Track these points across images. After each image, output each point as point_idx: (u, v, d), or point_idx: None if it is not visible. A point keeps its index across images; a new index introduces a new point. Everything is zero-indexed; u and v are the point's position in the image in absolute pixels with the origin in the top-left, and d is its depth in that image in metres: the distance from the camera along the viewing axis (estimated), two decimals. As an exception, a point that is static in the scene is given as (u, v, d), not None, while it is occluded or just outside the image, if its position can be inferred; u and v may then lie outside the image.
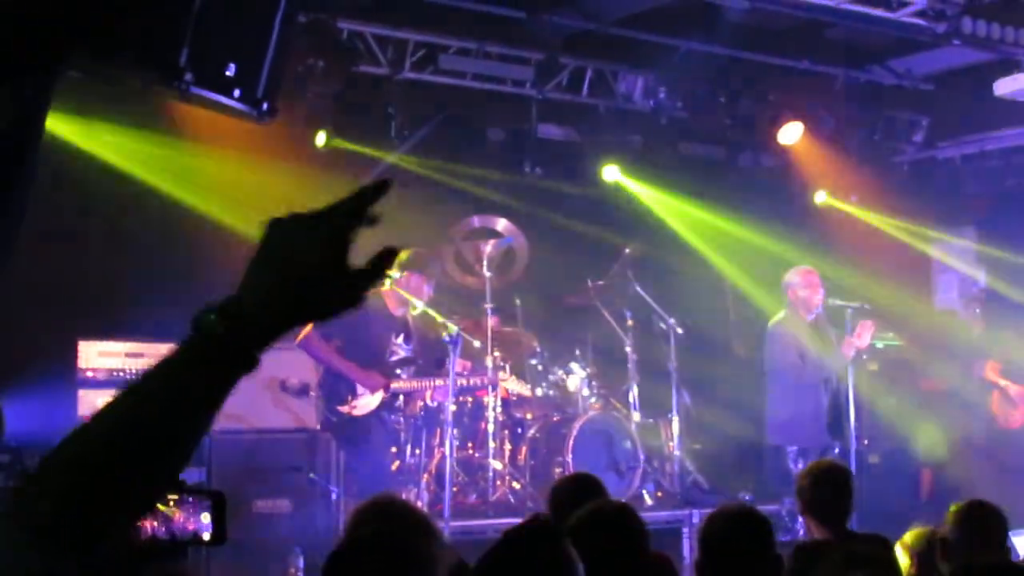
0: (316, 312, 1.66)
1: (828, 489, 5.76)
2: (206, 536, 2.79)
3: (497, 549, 3.41)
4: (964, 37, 9.31)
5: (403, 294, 9.31)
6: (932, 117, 12.97)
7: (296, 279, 1.62)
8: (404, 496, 8.80)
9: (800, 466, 9.51)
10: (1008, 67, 10.27)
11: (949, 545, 5.03)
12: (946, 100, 12.43)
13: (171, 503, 2.76)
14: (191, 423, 1.57)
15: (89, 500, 1.49)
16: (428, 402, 9.88)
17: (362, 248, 1.68)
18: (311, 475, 9.55)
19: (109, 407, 1.55)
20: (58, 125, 9.09)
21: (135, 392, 1.56)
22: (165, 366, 1.57)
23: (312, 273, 1.62)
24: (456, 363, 9.34)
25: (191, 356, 1.57)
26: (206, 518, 2.79)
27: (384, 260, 1.68)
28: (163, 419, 1.54)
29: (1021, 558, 5.33)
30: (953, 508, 5.18)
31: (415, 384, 9.58)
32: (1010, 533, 5.24)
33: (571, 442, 10.19)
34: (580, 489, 5.33)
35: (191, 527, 2.77)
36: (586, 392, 10.85)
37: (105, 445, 1.52)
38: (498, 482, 10.14)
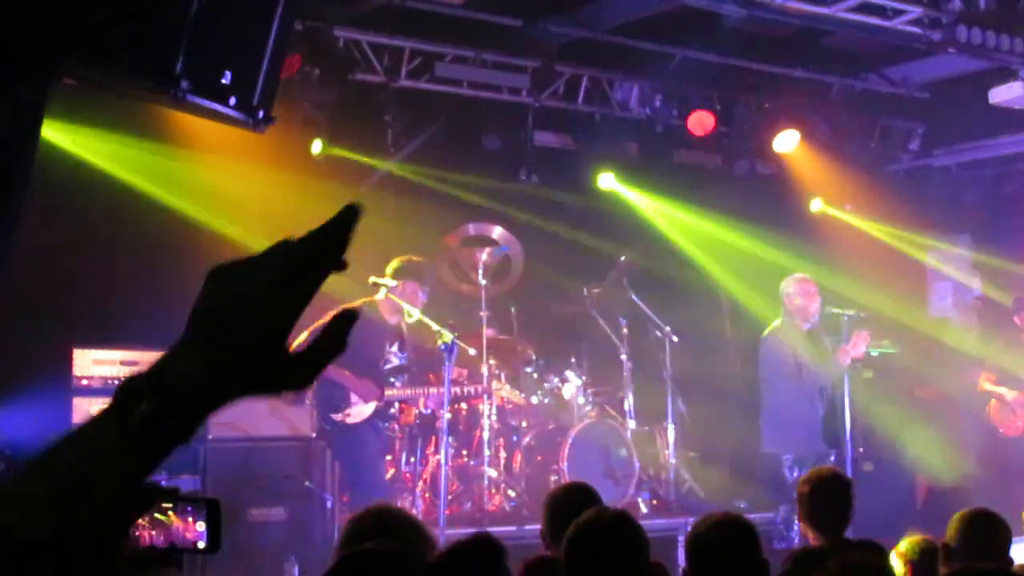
0: (259, 388, 1.43)
1: (827, 497, 5.76)
2: (201, 544, 2.78)
3: (442, 565, 3.44)
4: (960, 45, 9.32)
5: (398, 302, 9.30)
6: (928, 125, 12.99)
7: (228, 354, 1.39)
8: (399, 504, 8.79)
9: (796, 474, 9.50)
10: (1003, 75, 10.28)
11: (952, 553, 5.03)
12: (942, 108, 12.45)
13: (168, 511, 2.75)
14: (115, 499, 1.39)
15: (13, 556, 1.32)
16: (423, 410, 9.88)
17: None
18: (306, 483, 9.52)
19: (20, 481, 1.39)
20: (53, 133, 9.08)
21: (49, 467, 1.38)
22: (84, 443, 1.39)
23: (246, 349, 1.39)
24: (452, 371, 9.34)
25: (113, 435, 1.38)
26: (201, 526, 2.78)
27: (338, 332, 1.46)
28: (78, 500, 1.36)
29: (1017, 567, 5.32)
30: (957, 516, 5.18)
31: (410, 392, 9.57)
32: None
33: (566, 450, 10.18)
34: (576, 498, 5.32)
35: (188, 535, 2.77)
36: (581, 400, 10.86)
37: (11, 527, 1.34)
38: (493, 490, 10.13)
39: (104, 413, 1.39)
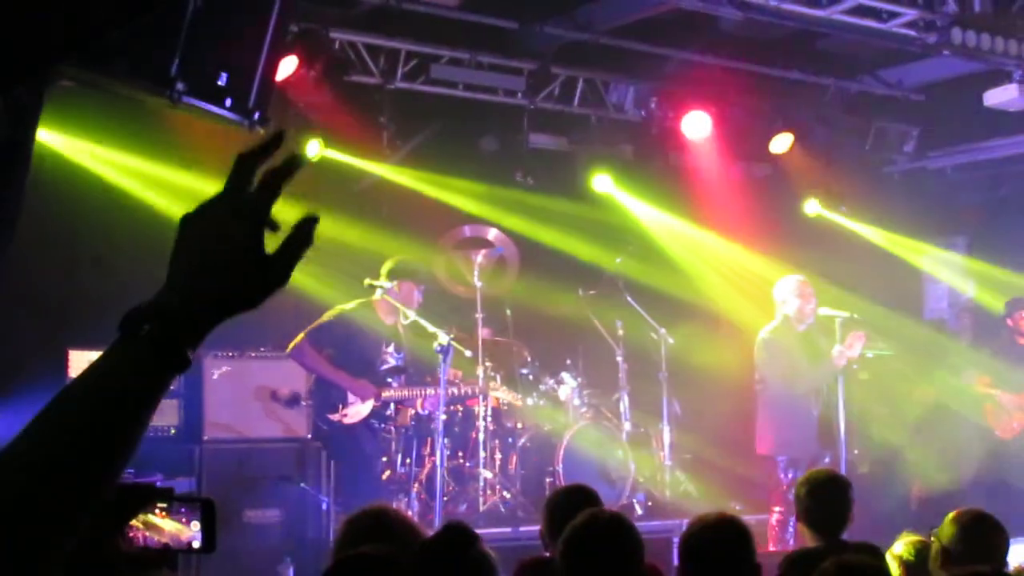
0: (243, 298, 1.61)
1: (825, 498, 5.76)
2: (196, 544, 2.78)
3: (419, 555, 3.45)
4: (954, 48, 9.33)
5: (394, 303, 9.31)
6: (923, 127, 13.01)
7: (215, 269, 1.59)
8: (395, 505, 8.79)
9: (790, 476, 9.51)
10: (998, 78, 10.30)
11: (951, 555, 5.03)
12: (937, 110, 12.47)
13: (161, 512, 2.75)
14: (126, 427, 1.52)
15: (22, 515, 1.44)
16: (419, 411, 9.88)
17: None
18: (301, 485, 9.53)
19: (41, 417, 1.52)
20: (49, 136, 9.09)
21: (67, 399, 1.53)
22: (96, 371, 1.54)
23: (229, 258, 1.59)
24: (447, 372, 9.34)
25: (120, 360, 1.55)
26: (196, 526, 2.78)
27: (304, 227, 1.63)
28: (96, 425, 1.50)
29: (1013, 569, 5.33)
30: (951, 516, 5.17)
31: (406, 393, 9.58)
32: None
33: (561, 452, 10.19)
34: (576, 500, 5.32)
35: (182, 536, 2.77)
36: (577, 402, 10.86)
37: (37, 458, 1.48)
38: (488, 491, 10.13)
39: (111, 345, 1.55)
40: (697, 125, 11.77)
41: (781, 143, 11.95)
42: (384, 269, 9.38)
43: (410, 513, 9.15)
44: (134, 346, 1.54)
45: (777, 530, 9.58)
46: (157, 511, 2.74)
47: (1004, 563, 5.13)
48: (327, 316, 9.17)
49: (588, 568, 4.25)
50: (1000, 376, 11.27)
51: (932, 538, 5.14)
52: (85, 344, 9.32)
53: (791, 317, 10.01)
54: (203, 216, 1.63)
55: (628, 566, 4.29)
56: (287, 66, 9.31)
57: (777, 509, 9.63)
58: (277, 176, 1.63)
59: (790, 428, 9.87)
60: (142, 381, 1.54)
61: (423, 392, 9.64)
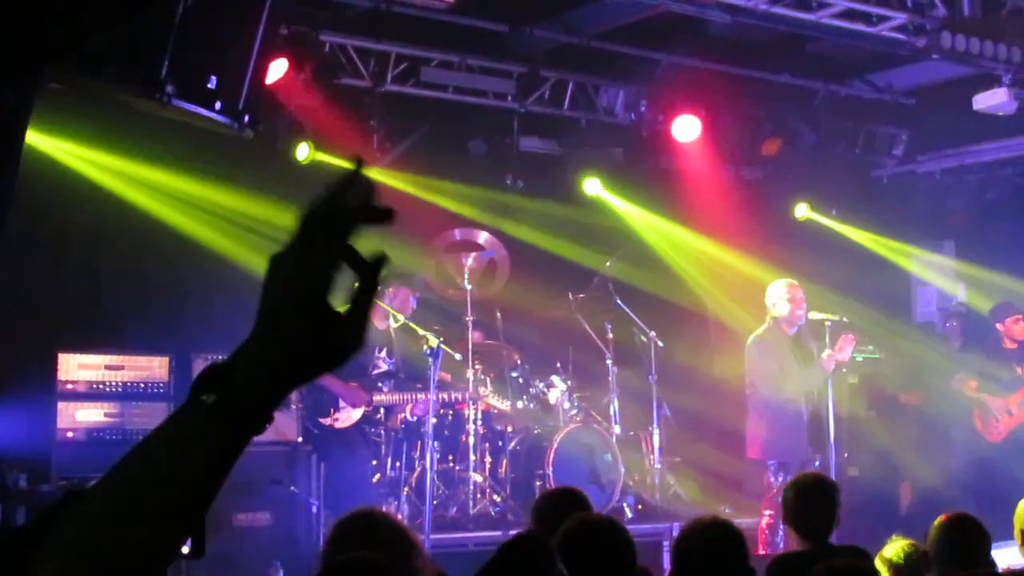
0: (315, 366, 1.46)
1: (812, 502, 5.77)
2: (185, 550, 2.78)
3: (494, 562, 3.44)
4: (944, 52, 9.35)
5: (389, 310, 9.33)
6: (912, 131, 13.03)
7: (281, 331, 1.44)
8: (385, 509, 8.78)
9: (780, 480, 9.52)
10: (987, 81, 10.31)
11: (932, 559, 5.04)
12: (926, 114, 12.49)
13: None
14: (194, 492, 1.47)
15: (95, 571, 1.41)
16: (408, 417, 9.89)
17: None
18: (291, 488, 9.51)
19: (115, 473, 1.45)
20: (38, 138, 9.06)
21: (141, 457, 1.46)
22: (161, 438, 1.47)
23: (293, 321, 1.44)
24: (437, 375, 9.35)
25: (185, 428, 1.46)
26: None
27: (373, 274, 1.47)
28: (166, 488, 1.44)
29: (1002, 571, 5.34)
30: (936, 523, 5.19)
31: (396, 398, 9.57)
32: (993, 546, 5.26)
33: (552, 455, 10.19)
34: (566, 503, 5.33)
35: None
36: (567, 405, 10.86)
37: (111, 515, 1.44)
38: (478, 495, 10.13)
39: (181, 405, 1.47)
40: (687, 128, 11.78)
41: (770, 147, 11.95)
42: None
43: (400, 516, 9.15)
44: (196, 414, 1.45)
45: (767, 533, 9.58)
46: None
47: (986, 564, 5.14)
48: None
49: (583, 570, 4.26)
50: (988, 380, 11.28)
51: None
52: (74, 347, 9.30)
53: (781, 321, 10.01)
54: (282, 261, 1.46)
55: (621, 569, 4.30)
56: (277, 69, 9.29)
57: (767, 512, 9.64)
58: (351, 225, 1.47)
59: (780, 431, 9.87)
60: (209, 450, 1.45)
61: (413, 397, 9.64)
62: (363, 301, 1.47)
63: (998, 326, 11.43)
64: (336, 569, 3.41)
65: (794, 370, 9.88)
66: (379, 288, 1.47)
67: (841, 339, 9.97)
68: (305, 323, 1.43)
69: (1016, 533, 5.56)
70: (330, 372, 1.50)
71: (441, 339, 9.34)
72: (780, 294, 10.06)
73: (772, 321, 10.07)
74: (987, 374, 11.31)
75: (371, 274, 1.47)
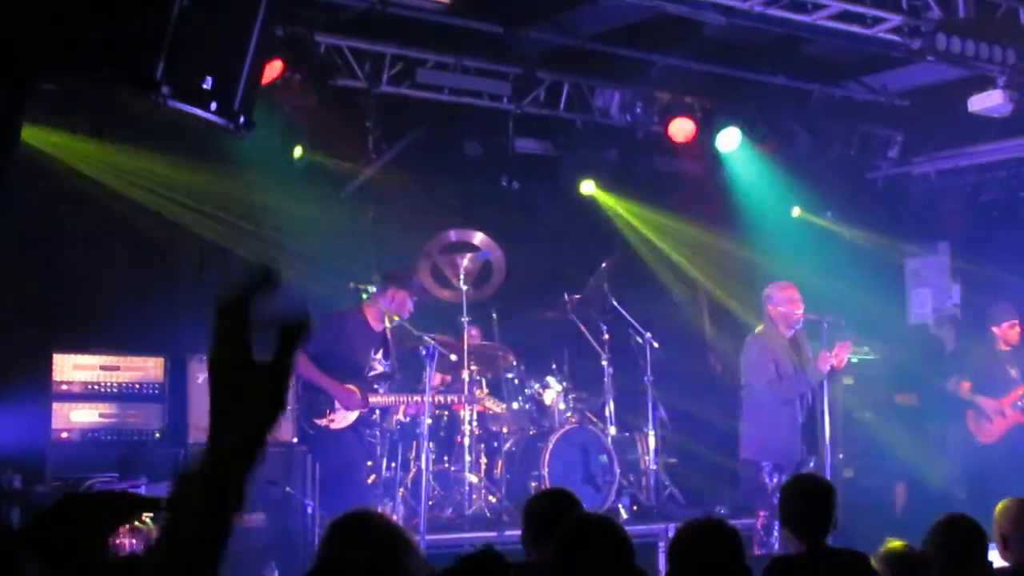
0: (265, 425, 1.64)
1: (808, 503, 5.75)
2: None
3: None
4: (938, 53, 9.36)
5: (386, 312, 9.33)
6: (907, 133, 13.04)
7: (226, 413, 1.60)
8: (380, 509, 8.78)
9: (775, 481, 9.52)
10: (982, 83, 10.32)
11: (931, 561, 5.04)
12: (921, 116, 12.51)
13: (148, 519, 2.74)
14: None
15: None
16: (401, 418, 9.89)
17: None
18: (287, 489, 9.50)
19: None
20: (34, 136, 9.06)
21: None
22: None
23: (233, 396, 1.59)
24: (433, 376, 9.34)
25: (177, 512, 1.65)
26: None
27: (295, 332, 1.59)
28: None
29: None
30: (934, 524, 5.19)
31: (392, 399, 9.57)
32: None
33: (547, 456, 10.18)
34: (556, 504, 5.32)
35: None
36: (562, 406, 10.85)
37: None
38: (474, 496, 10.12)
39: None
40: (682, 130, 11.78)
41: (766, 148, 11.96)
42: (376, 276, 9.44)
43: (395, 517, 9.15)
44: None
45: (762, 534, 9.58)
46: (142, 519, 2.73)
47: (984, 566, 5.14)
48: (315, 320, 9.15)
49: (582, 570, 4.26)
50: (982, 381, 11.29)
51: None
52: (69, 348, 9.30)
53: (778, 322, 10.01)
54: (212, 361, 1.59)
55: (621, 568, 4.30)
56: (272, 70, 9.29)
57: (762, 513, 9.64)
58: (244, 301, 1.58)
59: (775, 432, 9.87)
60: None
61: (409, 398, 9.64)
62: (278, 367, 1.57)
63: (993, 329, 11.43)
64: (323, 572, 3.41)
65: (789, 371, 9.88)
66: (293, 355, 1.58)
67: (838, 346, 9.96)
68: (244, 383, 1.57)
69: (995, 535, 5.56)
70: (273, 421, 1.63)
71: (435, 340, 9.37)
72: (776, 296, 10.05)
73: (768, 322, 10.07)
74: (981, 375, 11.31)
75: (286, 341, 1.57)
